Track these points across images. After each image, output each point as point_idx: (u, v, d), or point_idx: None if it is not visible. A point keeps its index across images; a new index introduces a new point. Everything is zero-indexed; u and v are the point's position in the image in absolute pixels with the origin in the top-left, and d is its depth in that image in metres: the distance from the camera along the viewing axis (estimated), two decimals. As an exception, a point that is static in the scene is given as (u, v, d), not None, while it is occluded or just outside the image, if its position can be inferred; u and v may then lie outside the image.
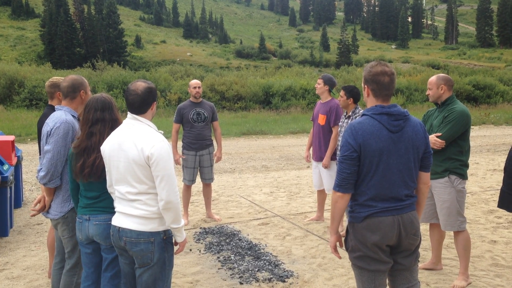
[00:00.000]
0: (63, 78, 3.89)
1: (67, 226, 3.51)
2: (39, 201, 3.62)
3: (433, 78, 4.52)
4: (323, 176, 6.21)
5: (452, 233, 5.08)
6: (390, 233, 2.79)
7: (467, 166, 4.43)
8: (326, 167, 6.09)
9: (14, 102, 27.07)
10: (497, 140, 16.51)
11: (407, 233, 2.84)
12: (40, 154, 3.61)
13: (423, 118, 4.68)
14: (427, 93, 4.55)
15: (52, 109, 3.72)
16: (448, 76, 4.51)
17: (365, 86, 2.93)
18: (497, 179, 9.27)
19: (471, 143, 13.60)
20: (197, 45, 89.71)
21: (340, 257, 3.09)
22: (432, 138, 4.32)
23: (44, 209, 3.58)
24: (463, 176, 4.37)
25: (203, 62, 67.94)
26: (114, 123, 3.20)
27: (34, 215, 3.67)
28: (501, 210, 6.57)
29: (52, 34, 63.42)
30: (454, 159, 4.34)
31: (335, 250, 3.03)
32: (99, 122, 3.19)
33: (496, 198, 7.62)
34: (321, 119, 6.18)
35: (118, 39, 69.09)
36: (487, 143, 15.78)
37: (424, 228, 5.97)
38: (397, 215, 2.81)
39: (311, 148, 6.53)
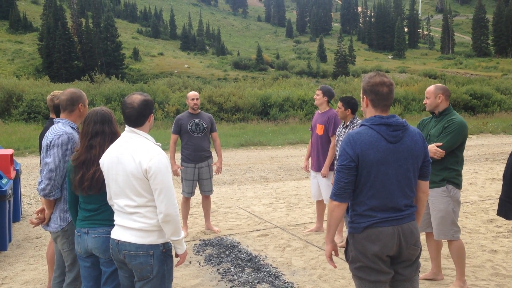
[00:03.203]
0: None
1: (67, 239, 3.50)
2: (40, 211, 3.61)
3: (431, 88, 4.58)
4: (322, 186, 6.21)
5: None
6: (390, 243, 2.79)
7: (461, 175, 4.52)
8: (325, 176, 6.09)
9: (12, 115, 27.05)
10: (495, 149, 16.54)
11: (407, 243, 2.84)
12: (41, 167, 3.61)
13: (417, 126, 4.71)
14: (424, 102, 4.63)
15: (53, 122, 3.73)
16: (445, 86, 4.58)
17: (364, 96, 2.94)
18: (496, 188, 9.27)
19: (469, 153, 13.60)
20: (194, 57, 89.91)
21: (335, 267, 3.08)
22: (433, 148, 4.36)
23: (44, 222, 3.57)
24: (459, 186, 4.46)
25: (201, 74, 68.04)
26: (113, 136, 3.21)
27: (34, 226, 3.66)
28: (500, 219, 6.58)
29: (50, 47, 63.51)
30: (451, 169, 4.42)
31: (330, 259, 3.03)
32: (99, 135, 3.20)
33: (495, 207, 7.61)
34: (319, 129, 6.20)
35: (116, 52, 69.28)
36: (485, 152, 15.80)
37: (424, 238, 5.96)
38: (397, 226, 2.81)
39: (310, 158, 6.54)
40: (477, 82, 44.24)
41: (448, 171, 4.41)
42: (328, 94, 6.28)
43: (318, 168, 6.24)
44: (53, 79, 48.12)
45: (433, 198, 4.45)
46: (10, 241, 6.22)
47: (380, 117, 2.85)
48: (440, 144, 4.36)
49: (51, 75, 52.46)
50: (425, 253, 5.44)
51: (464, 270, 4.50)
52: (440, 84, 4.65)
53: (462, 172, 4.55)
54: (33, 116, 26.63)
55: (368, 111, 2.94)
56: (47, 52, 63.60)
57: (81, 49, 68.68)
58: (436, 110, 4.54)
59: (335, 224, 2.90)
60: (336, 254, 3.03)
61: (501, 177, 4.15)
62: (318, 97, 6.29)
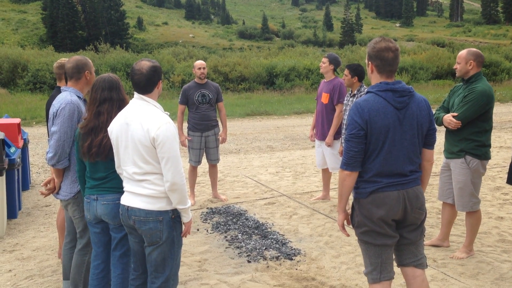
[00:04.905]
0: None
1: (77, 206, 3.54)
2: (48, 182, 3.65)
3: (463, 52, 4.37)
4: (326, 155, 6.22)
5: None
6: (396, 207, 2.81)
7: (486, 146, 4.33)
8: (329, 145, 6.09)
9: (18, 85, 27.07)
10: (503, 118, 16.45)
11: (413, 207, 2.86)
12: (49, 136, 3.63)
13: (449, 93, 4.60)
14: (454, 66, 4.43)
15: (60, 90, 3.73)
16: (479, 52, 4.35)
17: (369, 62, 2.92)
18: (504, 156, 9.26)
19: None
20: (199, 26, 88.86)
21: (348, 235, 3.11)
22: (448, 117, 4.26)
23: (54, 191, 3.61)
24: (480, 157, 4.29)
25: (206, 43, 67.41)
26: (121, 103, 3.21)
27: (45, 196, 3.70)
28: (508, 186, 6.59)
29: (54, 17, 62.90)
30: (470, 140, 4.26)
31: (343, 228, 3.05)
32: (107, 101, 3.20)
33: (502, 175, 7.62)
34: (324, 98, 6.17)
35: (120, 21, 68.50)
36: (493, 120, 15.68)
37: (430, 205, 6.00)
38: (402, 190, 2.83)
39: (315, 127, 6.52)
40: (486, 50, 43.71)
41: (467, 142, 4.27)
42: (335, 62, 6.21)
43: (322, 137, 6.23)
44: (57, 49, 47.87)
45: (453, 169, 4.39)
46: (20, 209, 6.32)
47: (386, 83, 2.83)
48: (456, 114, 4.24)
49: (55, 45, 52.12)
50: (431, 220, 5.49)
51: (473, 239, 4.52)
52: (473, 49, 4.40)
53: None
54: (38, 86, 26.64)
55: (373, 77, 2.92)
56: (51, 21, 63.04)
57: (85, 18, 67.98)
58: (466, 76, 4.34)
59: (347, 193, 2.92)
60: (348, 223, 3.06)
61: (508, 146, 4.12)
62: (324, 65, 6.22)
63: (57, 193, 3.61)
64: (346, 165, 2.85)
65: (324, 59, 6.26)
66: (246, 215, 5.92)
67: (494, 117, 4.73)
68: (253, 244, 4.93)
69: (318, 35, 76.03)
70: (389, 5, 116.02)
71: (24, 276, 4.36)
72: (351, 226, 3.05)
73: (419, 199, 2.89)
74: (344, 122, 5.83)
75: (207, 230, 5.43)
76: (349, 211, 3.06)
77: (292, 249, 4.77)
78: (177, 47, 45.51)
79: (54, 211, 6.36)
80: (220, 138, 6.63)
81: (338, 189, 2.97)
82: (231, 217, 5.83)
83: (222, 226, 5.52)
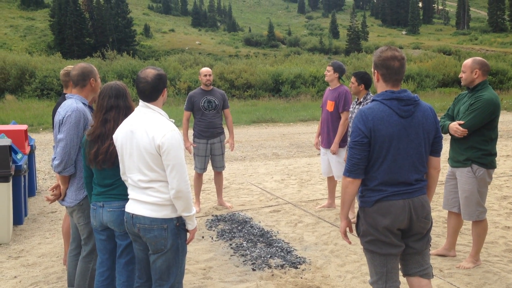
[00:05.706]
0: None
1: (82, 213, 3.55)
2: (55, 188, 3.66)
3: (468, 61, 4.37)
4: (332, 162, 6.20)
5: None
6: (401, 216, 2.80)
7: (493, 155, 4.31)
8: (334, 153, 6.08)
9: (25, 92, 27.21)
10: (510, 126, 16.36)
11: (418, 216, 2.85)
12: (55, 143, 3.65)
13: (453, 101, 4.59)
14: (460, 75, 4.42)
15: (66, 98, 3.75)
16: (484, 61, 4.34)
17: (375, 71, 2.93)
18: (510, 165, 9.21)
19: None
20: (205, 34, 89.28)
21: (350, 242, 3.10)
22: (454, 125, 4.24)
23: (60, 197, 3.62)
24: (486, 166, 4.27)
25: (212, 50, 67.65)
26: (128, 111, 3.22)
27: (50, 202, 3.71)
28: (514, 196, 6.53)
29: (62, 24, 63.42)
30: (477, 148, 4.24)
31: (345, 235, 3.04)
32: (114, 109, 3.22)
33: (509, 184, 7.57)
34: (330, 106, 6.16)
35: (127, 28, 69.00)
36: (500, 129, 15.55)
37: (436, 214, 5.96)
38: (408, 199, 2.82)
39: (320, 135, 6.52)
40: (493, 58, 43.54)
41: (473, 150, 4.24)
42: (339, 70, 6.21)
43: (328, 145, 6.22)
44: (65, 55, 48.15)
45: (459, 178, 4.36)
46: (26, 215, 6.33)
47: (391, 92, 2.84)
48: (462, 122, 4.21)
49: (63, 52, 52.43)
50: (437, 229, 5.46)
51: (480, 249, 4.48)
52: (478, 58, 4.38)
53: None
54: (46, 92, 26.78)
55: (379, 85, 2.93)
56: (59, 28, 63.57)
57: (92, 25, 68.49)
58: (471, 85, 4.32)
59: (349, 201, 2.91)
60: (351, 231, 3.05)
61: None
62: (329, 73, 6.22)
63: (63, 200, 3.62)
64: (349, 172, 2.85)
65: (329, 68, 6.26)
66: (251, 222, 5.91)
67: (500, 126, 4.70)
68: (258, 252, 4.92)
69: (324, 43, 76.11)
70: (395, 13, 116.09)
71: (29, 283, 4.36)
72: (354, 233, 3.04)
73: (424, 208, 2.88)
74: (350, 129, 5.82)
75: (212, 238, 5.43)
76: (354, 220, 3.05)
77: (297, 258, 4.76)
78: (184, 54, 45.67)
79: (60, 217, 6.38)
80: (228, 144, 6.64)
81: (340, 196, 2.96)
82: (236, 225, 5.82)
83: (227, 234, 5.51)
